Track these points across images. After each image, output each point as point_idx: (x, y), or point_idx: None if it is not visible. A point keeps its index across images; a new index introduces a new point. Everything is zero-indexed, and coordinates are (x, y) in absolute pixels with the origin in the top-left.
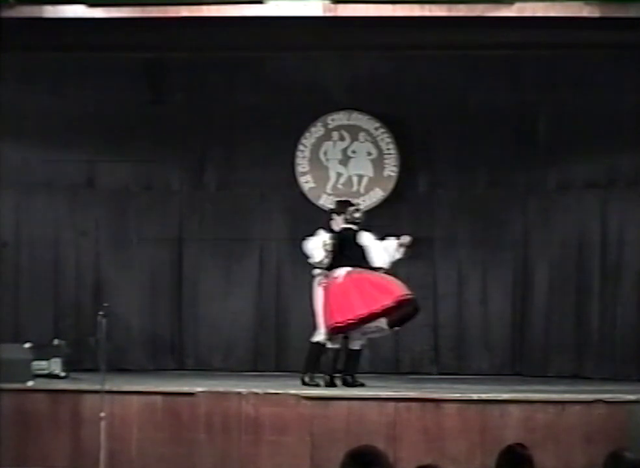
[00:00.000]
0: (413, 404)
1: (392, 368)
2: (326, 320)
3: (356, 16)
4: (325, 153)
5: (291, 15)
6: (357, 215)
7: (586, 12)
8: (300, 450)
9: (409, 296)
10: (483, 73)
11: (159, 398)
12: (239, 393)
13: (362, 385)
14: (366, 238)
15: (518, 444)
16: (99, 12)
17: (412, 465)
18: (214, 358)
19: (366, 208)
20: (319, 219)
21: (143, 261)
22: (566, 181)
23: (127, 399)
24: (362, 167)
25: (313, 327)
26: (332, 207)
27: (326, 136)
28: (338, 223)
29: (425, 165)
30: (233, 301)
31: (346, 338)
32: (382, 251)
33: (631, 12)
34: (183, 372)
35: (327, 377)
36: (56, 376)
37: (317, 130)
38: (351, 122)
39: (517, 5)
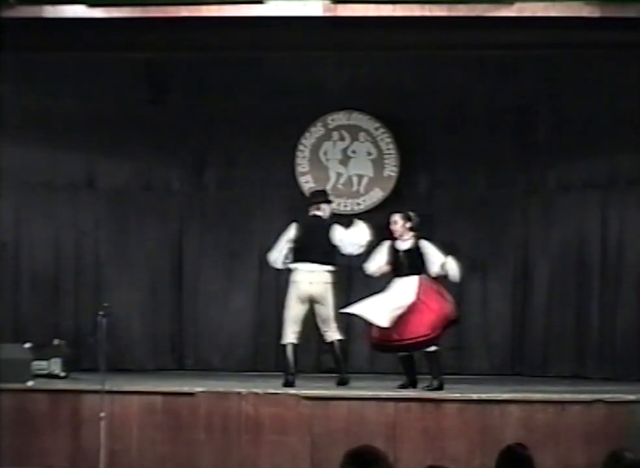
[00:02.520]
0: (413, 404)
1: (392, 368)
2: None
3: (356, 16)
4: (325, 153)
5: (291, 15)
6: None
7: (586, 12)
8: (300, 450)
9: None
10: (483, 73)
11: (159, 398)
12: (239, 393)
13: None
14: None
15: (518, 444)
16: (99, 12)
17: (412, 465)
18: (214, 358)
19: (366, 209)
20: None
21: (143, 261)
22: (566, 181)
23: (127, 399)
24: (362, 167)
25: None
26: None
27: (326, 136)
28: (326, 212)
29: (425, 165)
30: (233, 301)
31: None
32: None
33: (631, 12)
34: (183, 372)
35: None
36: (56, 376)
37: (317, 130)
38: (351, 122)
39: (517, 5)
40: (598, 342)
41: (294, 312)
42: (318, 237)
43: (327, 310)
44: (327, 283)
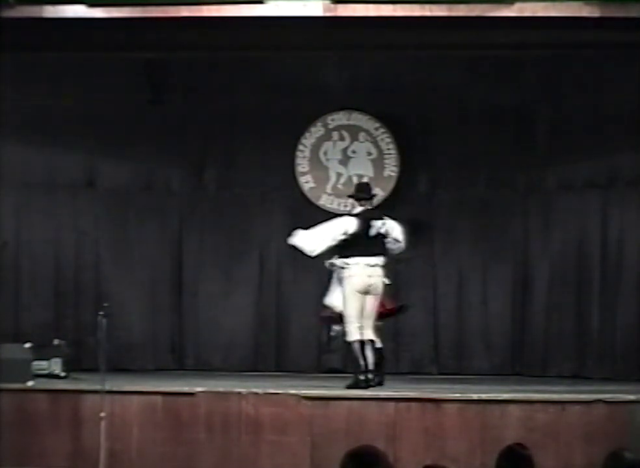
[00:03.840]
0: (413, 404)
1: (392, 368)
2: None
3: (356, 16)
4: (325, 153)
5: (291, 15)
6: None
7: (586, 12)
8: (300, 450)
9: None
10: (483, 73)
11: (159, 398)
12: (239, 393)
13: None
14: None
15: (518, 444)
16: (99, 12)
17: (412, 465)
18: (214, 358)
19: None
20: (318, 219)
21: (143, 261)
22: (566, 181)
23: (127, 399)
24: (362, 167)
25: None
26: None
27: (326, 136)
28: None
29: (425, 165)
30: (233, 301)
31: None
32: None
33: (631, 12)
34: (183, 372)
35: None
36: (56, 376)
37: (317, 130)
38: (351, 122)
39: (517, 5)
40: (598, 342)
41: (354, 306)
42: (372, 231)
43: (374, 304)
44: (381, 276)
